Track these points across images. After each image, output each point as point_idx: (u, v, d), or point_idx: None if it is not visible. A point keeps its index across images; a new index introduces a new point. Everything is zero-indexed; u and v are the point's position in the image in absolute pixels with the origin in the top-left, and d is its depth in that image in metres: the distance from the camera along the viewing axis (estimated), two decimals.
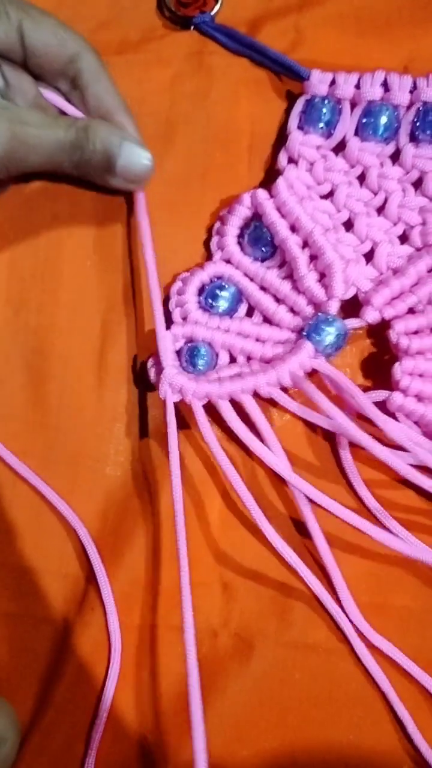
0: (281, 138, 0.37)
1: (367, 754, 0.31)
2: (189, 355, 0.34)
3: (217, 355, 0.35)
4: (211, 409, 0.34)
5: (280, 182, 0.34)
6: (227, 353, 0.35)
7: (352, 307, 0.34)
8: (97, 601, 0.33)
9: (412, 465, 0.32)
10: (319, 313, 0.33)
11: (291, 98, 0.38)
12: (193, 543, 0.33)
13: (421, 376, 0.33)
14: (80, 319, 0.36)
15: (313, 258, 0.34)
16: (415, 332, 0.33)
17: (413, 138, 0.34)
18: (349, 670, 0.32)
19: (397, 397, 0.32)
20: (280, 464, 0.32)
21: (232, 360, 0.35)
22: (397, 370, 0.33)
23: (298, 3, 0.39)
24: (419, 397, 0.32)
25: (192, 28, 0.38)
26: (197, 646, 0.31)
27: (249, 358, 0.35)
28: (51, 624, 0.33)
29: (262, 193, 0.34)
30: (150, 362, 0.35)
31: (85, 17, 0.39)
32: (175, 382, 0.33)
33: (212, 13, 0.38)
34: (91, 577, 0.33)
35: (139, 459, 0.35)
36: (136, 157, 0.33)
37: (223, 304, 0.35)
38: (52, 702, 0.32)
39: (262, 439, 0.33)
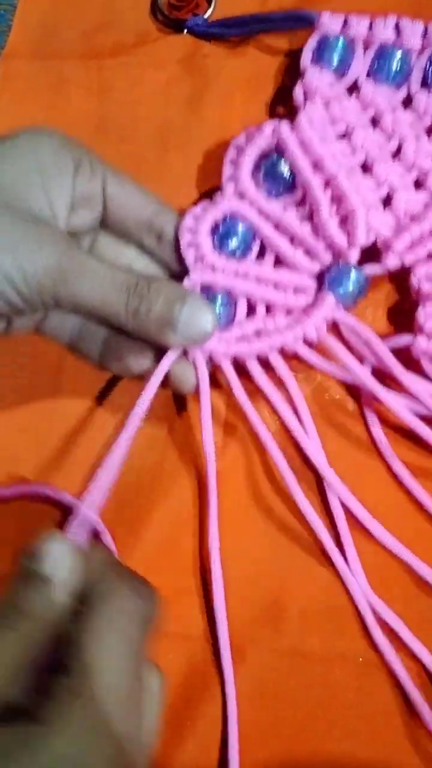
0: None
1: (365, 764, 0.30)
2: None
3: (235, 304, 0.33)
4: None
5: (303, 118, 0.32)
6: (245, 301, 0.33)
7: (367, 253, 0.33)
8: None
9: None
10: (340, 263, 0.32)
11: (286, 99, 0.37)
12: (184, 547, 0.32)
13: None
14: None
15: (334, 201, 0.33)
16: None
17: (425, 83, 0.34)
18: (345, 678, 0.31)
19: (421, 342, 0.32)
20: (318, 456, 0.32)
21: (250, 309, 0.33)
22: (421, 314, 0.32)
23: (293, 5, 0.37)
24: None
25: (185, 31, 0.37)
26: (187, 653, 0.31)
27: (268, 308, 0.33)
28: None
29: (286, 127, 0.32)
30: None
31: (78, 20, 0.39)
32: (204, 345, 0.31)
33: (205, 16, 0.38)
34: None
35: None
36: (197, 319, 0.30)
37: (236, 244, 0.33)
38: None
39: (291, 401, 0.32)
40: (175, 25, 0.38)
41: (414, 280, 0.33)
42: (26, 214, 0.28)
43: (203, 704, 0.31)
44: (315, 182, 0.32)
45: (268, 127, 0.33)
